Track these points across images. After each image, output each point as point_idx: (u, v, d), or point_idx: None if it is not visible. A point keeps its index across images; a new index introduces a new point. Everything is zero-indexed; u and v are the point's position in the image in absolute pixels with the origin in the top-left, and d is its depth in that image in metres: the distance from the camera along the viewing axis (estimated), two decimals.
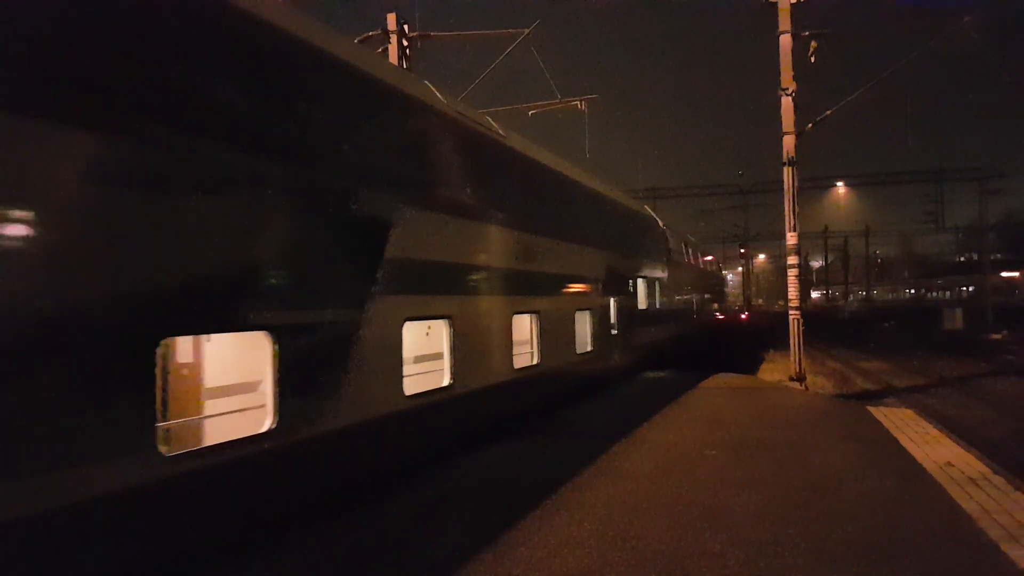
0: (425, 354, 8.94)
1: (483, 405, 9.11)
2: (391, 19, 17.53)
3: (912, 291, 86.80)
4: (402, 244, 7.13)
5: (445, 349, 8.17)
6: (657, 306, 19.80)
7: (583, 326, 13.26)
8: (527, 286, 10.58)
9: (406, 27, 17.76)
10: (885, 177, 59.68)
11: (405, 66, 17.25)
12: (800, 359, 17.44)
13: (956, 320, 47.27)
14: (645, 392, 15.36)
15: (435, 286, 7.97)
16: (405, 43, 17.68)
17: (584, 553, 5.53)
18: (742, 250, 68.23)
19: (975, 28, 16.68)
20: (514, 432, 10.03)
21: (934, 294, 78.93)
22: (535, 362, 10.73)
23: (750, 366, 24.59)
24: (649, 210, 22.89)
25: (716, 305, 38.20)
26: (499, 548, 5.64)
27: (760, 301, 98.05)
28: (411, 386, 7.36)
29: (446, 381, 8.11)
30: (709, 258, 40.11)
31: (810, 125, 17.86)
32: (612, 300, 15.03)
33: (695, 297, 28.50)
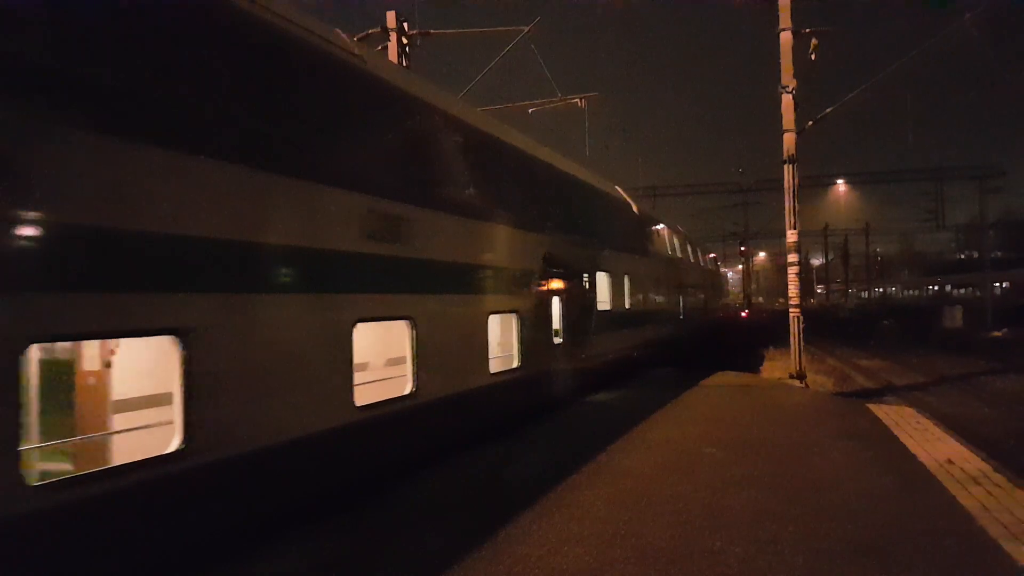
0: (141, 396, 5.94)
1: (272, 476, 5.68)
2: (390, 17, 17.50)
3: (934, 287, 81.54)
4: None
5: (175, 386, 4.86)
6: (627, 306, 16.58)
7: (505, 334, 10.50)
8: (391, 279, 7.39)
9: (405, 25, 17.73)
10: (885, 175, 59.72)
11: (405, 64, 17.23)
12: (800, 357, 17.42)
13: (956, 318, 47.25)
14: (645, 390, 15.34)
15: (153, 281, 4.77)
16: (405, 41, 17.65)
17: (584, 551, 5.52)
18: (742, 248, 68.25)
19: (975, 25, 16.66)
20: (512, 431, 10.02)
21: (960, 291, 73.36)
22: (408, 390, 7.52)
23: (751, 364, 24.55)
24: (622, 192, 19.18)
25: (711, 305, 35.82)
26: (498, 546, 5.63)
27: (760, 299, 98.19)
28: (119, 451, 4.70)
29: (175, 443, 4.79)
30: (712, 256, 39.85)
31: (810, 123, 17.83)
32: (556, 299, 12.03)
33: (683, 296, 25.19)
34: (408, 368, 7.66)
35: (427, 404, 7.81)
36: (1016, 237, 70.05)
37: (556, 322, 12.04)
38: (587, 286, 13.68)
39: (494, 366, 9.72)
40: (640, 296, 17.96)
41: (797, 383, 17.00)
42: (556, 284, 12.00)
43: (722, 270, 57.33)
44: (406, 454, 7.68)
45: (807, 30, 17.10)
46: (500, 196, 10.44)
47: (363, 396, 6.84)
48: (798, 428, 10.65)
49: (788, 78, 17.12)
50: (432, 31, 18.41)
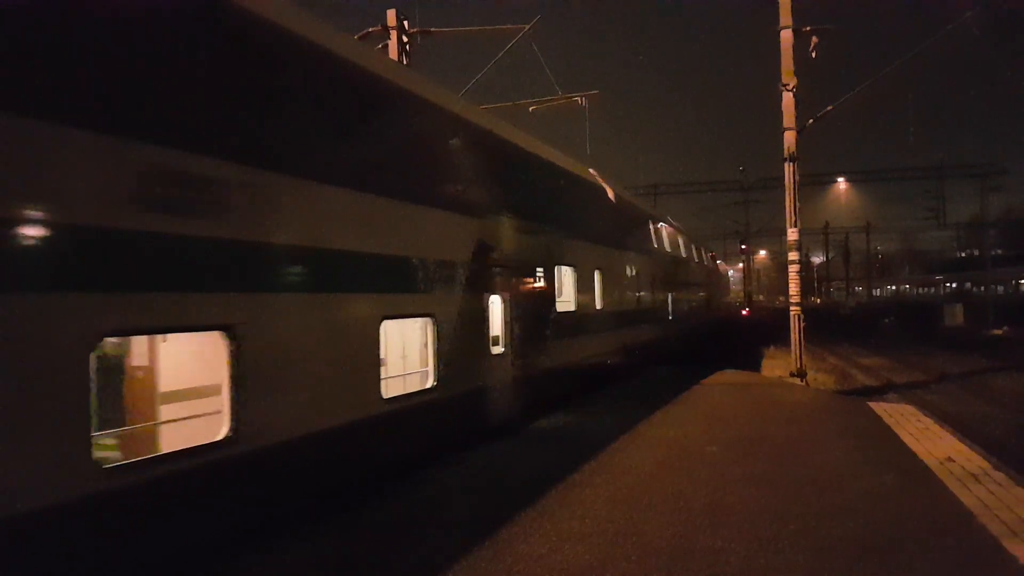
0: None
1: None
2: (391, 15, 17.49)
3: (952, 284, 73.92)
4: None
5: None
6: (599, 306, 14.34)
7: (414, 344, 8.47)
8: (185, 270, 5.06)
9: (406, 23, 17.72)
10: (886, 173, 59.88)
11: (406, 62, 17.22)
12: (801, 355, 17.44)
13: (957, 316, 47.29)
14: (647, 388, 15.35)
15: None
16: (405, 39, 17.65)
17: (585, 549, 5.52)
18: (743, 246, 68.25)
19: (976, 23, 16.65)
20: (513, 428, 10.03)
21: (982, 288, 64.97)
22: (223, 434, 5.14)
23: (751, 362, 24.59)
24: (597, 176, 16.67)
25: (709, 303, 34.23)
26: (499, 544, 5.63)
27: (761, 297, 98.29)
28: None
29: None
30: (711, 254, 39.69)
31: (811, 121, 17.83)
32: (497, 298, 9.84)
33: (674, 294, 22.95)
34: (224, 401, 5.24)
35: (256, 453, 5.37)
36: (1017, 235, 70.04)
37: (497, 327, 9.84)
38: (543, 282, 11.38)
39: (391, 388, 7.53)
40: (616, 295, 15.69)
41: (798, 381, 17.03)
42: (496, 280, 9.70)
43: (721, 267, 57.26)
44: (215, 530, 5.19)
45: (807, 28, 17.09)
46: (399, 163, 7.87)
47: (122, 449, 4.97)
48: (799, 426, 10.66)
49: (788, 76, 17.12)
50: (433, 29, 18.42)
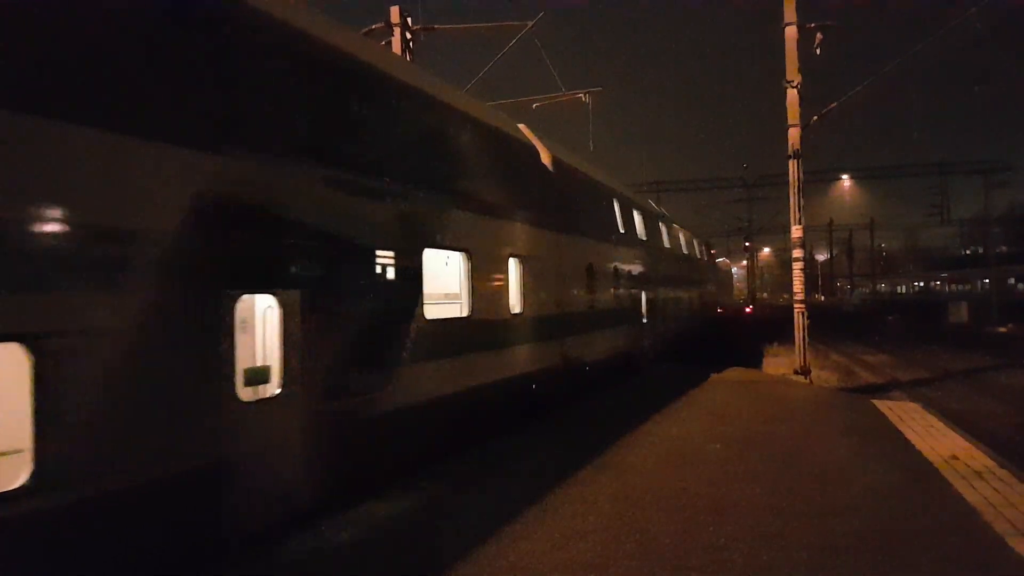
0: None
1: None
2: (394, 12, 17.47)
3: (987, 281, 64.35)
4: None
5: None
6: (516, 309, 10.35)
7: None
8: None
9: (409, 20, 17.70)
10: (890, 170, 59.86)
11: (409, 59, 17.20)
12: (804, 352, 17.40)
13: (961, 313, 47.22)
14: (650, 386, 15.35)
15: None
16: (408, 36, 17.63)
17: (588, 546, 5.52)
18: (747, 243, 68.17)
19: (980, 20, 16.57)
20: (517, 426, 10.02)
21: None
22: None
23: (755, 360, 24.55)
24: (528, 133, 12.48)
25: (702, 302, 31.48)
26: (502, 541, 5.63)
27: (765, 295, 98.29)
28: None
29: None
30: (712, 252, 39.50)
31: (815, 118, 17.78)
32: (264, 300, 5.99)
33: (648, 293, 18.93)
34: None
35: None
36: (1021, 231, 69.88)
37: (271, 352, 5.95)
38: (392, 275, 7.32)
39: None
40: (550, 293, 11.76)
41: (801, 379, 16.99)
42: (265, 269, 5.81)
43: (723, 263, 57.16)
44: None
45: (812, 24, 17.04)
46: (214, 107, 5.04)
47: None
48: (802, 424, 10.65)
49: (793, 73, 17.07)
50: (436, 26, 18.40)
